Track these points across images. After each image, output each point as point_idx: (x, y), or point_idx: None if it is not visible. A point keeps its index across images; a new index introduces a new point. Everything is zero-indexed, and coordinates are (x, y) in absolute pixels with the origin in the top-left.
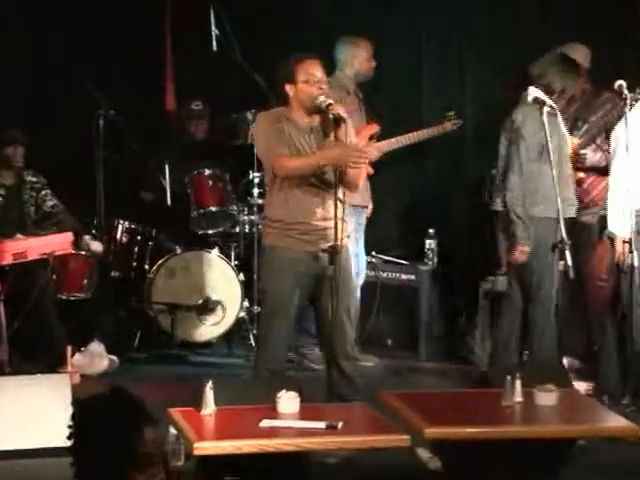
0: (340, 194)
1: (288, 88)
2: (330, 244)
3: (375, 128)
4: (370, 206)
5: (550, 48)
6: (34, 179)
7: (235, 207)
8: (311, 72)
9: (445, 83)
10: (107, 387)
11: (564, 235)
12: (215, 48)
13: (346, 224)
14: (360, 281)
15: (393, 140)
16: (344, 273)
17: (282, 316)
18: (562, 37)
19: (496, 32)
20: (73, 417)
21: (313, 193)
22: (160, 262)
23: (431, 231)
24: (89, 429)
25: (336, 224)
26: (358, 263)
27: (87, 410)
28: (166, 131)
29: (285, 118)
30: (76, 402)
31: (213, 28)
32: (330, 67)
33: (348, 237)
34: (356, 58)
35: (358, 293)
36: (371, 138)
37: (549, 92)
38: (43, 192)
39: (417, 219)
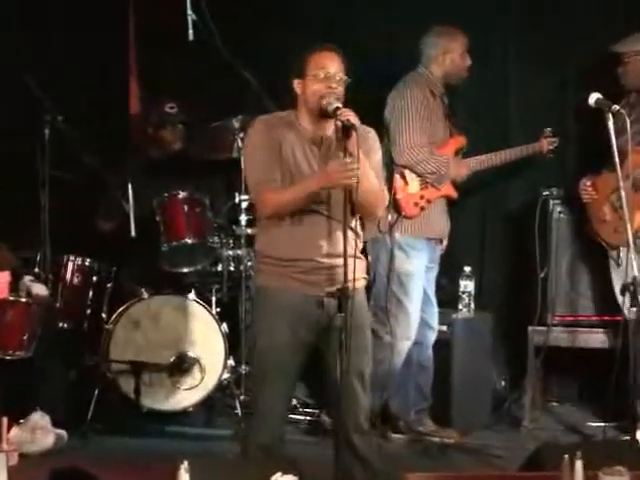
0: (356, 225)
1: (296, 84)
2: (338, 287)
3: (462, 141)
4: (445, 241)
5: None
6: None
7: (217, 239)
8: (322, 65)
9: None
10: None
11: (637, 274)
12: (191, 37)
13: (361, 262)
14: (433, 336)
15: (483, 157)
16: (357, 324)
17: (275, 376)
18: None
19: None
20: None
21: (316, 222)
22: (121, 309)
23: (467, 269)
24: None
25: (346, 261)
26: (430, 312)
27: None
28: (130, 141)
29: (288, 123)
30: None
31: (189, 12)
32: None
33: (365, 279)
34: (448, 54)
35: (430, 350)
36: (456, 153)
37: None
38: None
39: (450, 255)
